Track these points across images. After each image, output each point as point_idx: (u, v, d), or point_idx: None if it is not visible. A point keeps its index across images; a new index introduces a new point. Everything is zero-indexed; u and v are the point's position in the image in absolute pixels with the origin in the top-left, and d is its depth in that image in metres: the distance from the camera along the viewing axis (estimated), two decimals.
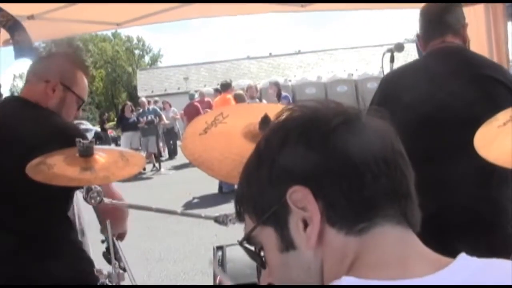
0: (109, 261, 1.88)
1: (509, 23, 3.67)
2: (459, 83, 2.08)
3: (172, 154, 15.05)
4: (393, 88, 2.20)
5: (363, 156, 0.68)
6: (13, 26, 2.35)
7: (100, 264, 1.90)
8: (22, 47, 2.30)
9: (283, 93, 9.64)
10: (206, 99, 12.50)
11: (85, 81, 2.01)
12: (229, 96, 9.07)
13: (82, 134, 1.84)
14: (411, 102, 2.04)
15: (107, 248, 2.04)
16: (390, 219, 0.68)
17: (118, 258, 2.04)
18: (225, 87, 9.63)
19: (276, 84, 9.65)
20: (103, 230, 1.90)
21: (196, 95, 12.72)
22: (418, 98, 2.05)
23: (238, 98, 8.44)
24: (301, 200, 0.69)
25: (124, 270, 2.06)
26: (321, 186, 0.68)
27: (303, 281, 0.72)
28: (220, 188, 8.60)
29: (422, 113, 2.03)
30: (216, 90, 11.08)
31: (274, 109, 1.78)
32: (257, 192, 0.74)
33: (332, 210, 0.68)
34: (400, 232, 0.69)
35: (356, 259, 0.67)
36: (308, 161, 0.69)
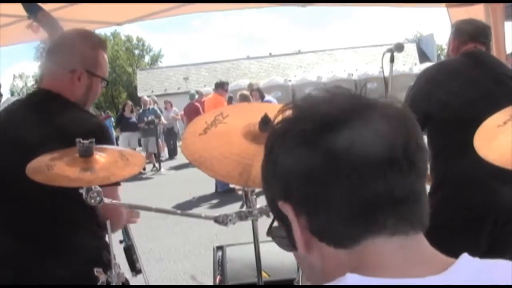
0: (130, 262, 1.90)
1: (508, 23, 3.68)
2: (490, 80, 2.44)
3: (172, 154, 15.05)
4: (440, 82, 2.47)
5: (346, 166, 0.64)
6: (52, 25, 2.36)
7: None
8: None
9: (267, 97, 9.16)
10: (204, 99, 12.48)
11: (106, 58, 1.97)
12: (223, 96, 8.99)
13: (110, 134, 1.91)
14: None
15: (125, 249, 2.04)
16: (382, 231, 0.66)
17: (135, 259, 2.04)
18: (217, 86, 9.45)
19: (257, 90, 9.21)
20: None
21: (196, 95, 12.72)
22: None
23: (243, 99, 8.30)
24: (288, 213, 0.70)
25: (140, 271, 2.06)
26: (300, 202, 0.68)
27: (309, 276, 0.74)
28: (216, 187, 8.59)
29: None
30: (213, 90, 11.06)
31: (274, 109, 1.78)
32: (267, 195, 0.76)
33: (315, 227, 0.69)
34: (396, 242, 0.66)
35: (354, 266, 0.67)
36: (286, 175, 0.69)
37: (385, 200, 0.65)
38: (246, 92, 8.84)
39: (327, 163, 0.65)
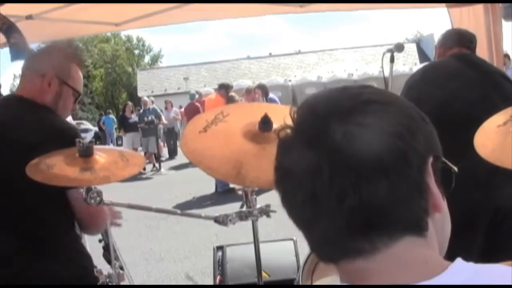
0: (108, 261, 1.88)
1: (509, 23, 3.68)
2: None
3: (172, 154, 15.05)
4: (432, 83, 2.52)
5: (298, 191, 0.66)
6: (8, 29, 2.35)
7: (98, 264, 1.90)
8: (18, 49, 2.31)
9: (270, 95, 9.10)
10: (204, 99, 12.50)
11: (80, 73, 1.99)
12: (224, 98, 8.86)
13: (79, 135, 1.85)
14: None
15: (104, 247, 2.04)
16: (343, 256, 0.67)
17: (115, 258, 2.05)
18: (221, 87, 9.37)
19: (260, 87, 9.14)
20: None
21: (196, 95, 12.73)
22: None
23: (230, 100, 8.27)
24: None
25: (121, 268, 2.06)
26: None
27: None
28: (216, 187, 8.59)
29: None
30: (215, 90, 11.03)
31: (274, 109, 1.78)
32: None
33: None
34: (365, 263, 0.65)
35: (347, 278, 0.69)
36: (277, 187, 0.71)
37: (341, 230, 0.64)
38: (233, 94, 8.81)
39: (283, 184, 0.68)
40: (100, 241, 1.95)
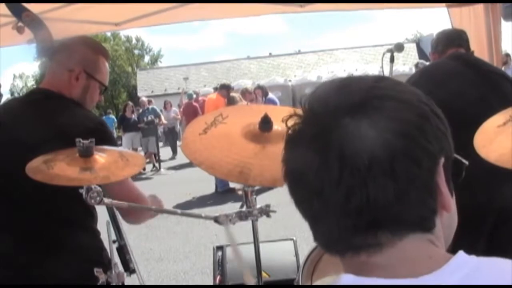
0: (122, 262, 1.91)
1: (509, 23, 3.69)
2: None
3: (173, 154, 15.05)
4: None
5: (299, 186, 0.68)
6: (36, 25, 2.34)
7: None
8: (43, 46, 2.31)
9: (270, 95, 9.18)
10: (201, 98, 12.54)
11: (107, 66, 2.02)
12: (225, 98, 8.92)
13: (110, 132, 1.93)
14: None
15: (118, 249, 2.06)
16: (364, 250, 0.67)
17: (128, 259, 2.06)
18: (222, 87, 9.37)
19: (260, 88, 9.27)
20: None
21: (194, 95, 12.77)
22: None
23: (231, 101, 8.27)
24: None
25: (134, 271, 2.07)
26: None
27: None
28: (216, 187, 8.58)
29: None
30: (215, 89, 11.05)
31: (274, 110, 1.78)
32: None
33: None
34: (381, 256, 0.66)
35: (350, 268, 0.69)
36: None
37: (344, 231, 0.65)
38: (234, 94, 8.82)
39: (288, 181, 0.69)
40: (114, 241, 1.96)
